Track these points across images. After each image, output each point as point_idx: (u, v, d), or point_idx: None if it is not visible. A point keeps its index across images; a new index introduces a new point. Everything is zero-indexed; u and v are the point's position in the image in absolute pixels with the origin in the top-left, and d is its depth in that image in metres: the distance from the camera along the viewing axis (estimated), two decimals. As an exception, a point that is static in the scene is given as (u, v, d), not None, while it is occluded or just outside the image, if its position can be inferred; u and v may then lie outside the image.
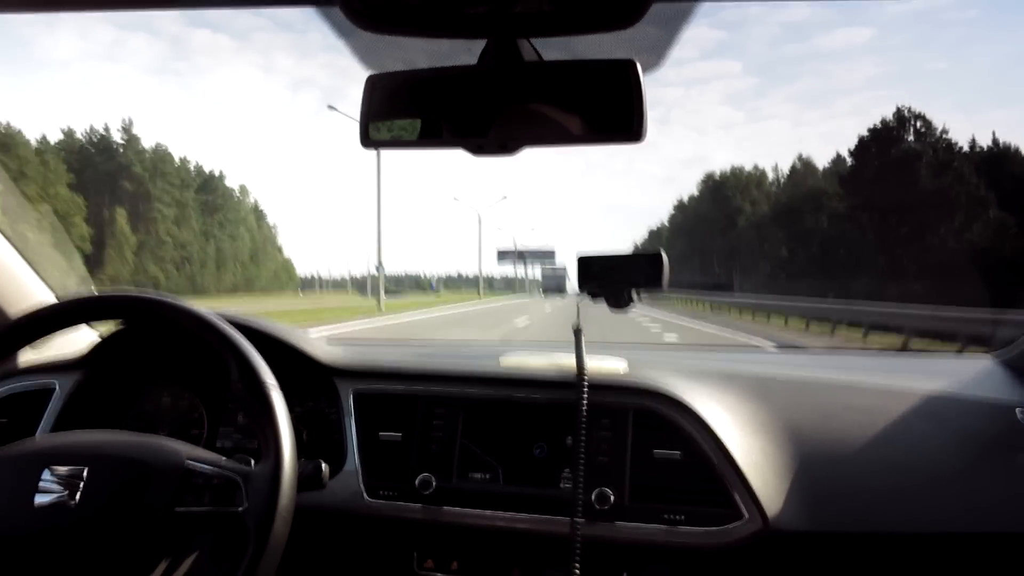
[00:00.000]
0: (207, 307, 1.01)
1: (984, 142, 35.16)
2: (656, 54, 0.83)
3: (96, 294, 0.99)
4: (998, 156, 34.01)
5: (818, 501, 1.07)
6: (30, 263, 1.47)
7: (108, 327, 1.37)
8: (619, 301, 1.20)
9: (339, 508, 1.16)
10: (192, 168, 55.28)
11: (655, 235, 77.12)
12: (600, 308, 1.15)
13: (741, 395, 1.21)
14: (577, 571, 0.99)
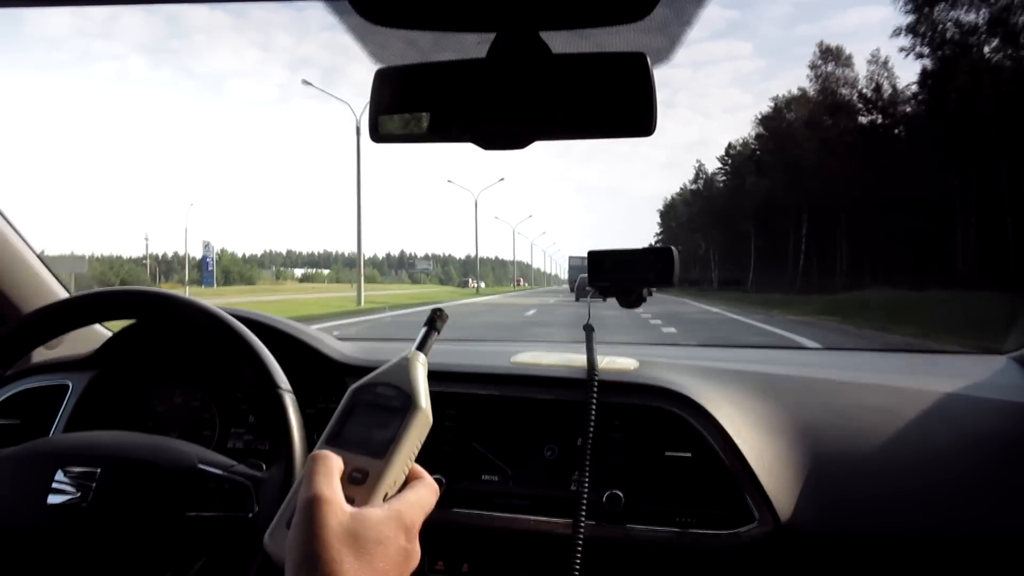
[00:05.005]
0: (218, 303, 1.01)
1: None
2: (669, 39, 0.82)
3: (108, 290, 0.99)
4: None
5: (830, 502, 1.06)
6: (44, 262, 1.48)
7: (120, 325, 1.37)
8: (629, 299, 1.19)
9: None
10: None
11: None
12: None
13: (753, 394, 1.20)
14: (576, 573, 0.98)
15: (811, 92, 37.86)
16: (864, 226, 31.75)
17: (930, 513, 1.04)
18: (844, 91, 35.87)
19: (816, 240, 34.90)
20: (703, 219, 49.87)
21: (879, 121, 34.58)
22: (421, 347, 0.71)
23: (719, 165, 51.57)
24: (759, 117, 42.76)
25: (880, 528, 1.03)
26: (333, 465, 0.59)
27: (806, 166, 35.10)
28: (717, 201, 47.08)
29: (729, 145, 49.00)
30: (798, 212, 35.62)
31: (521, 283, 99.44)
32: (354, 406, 0.65)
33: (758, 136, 42.78)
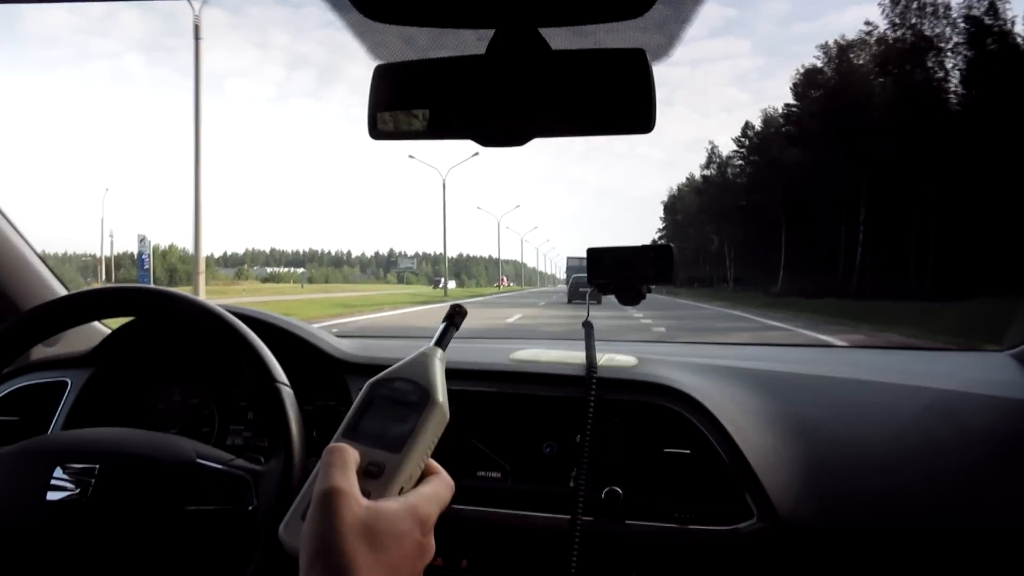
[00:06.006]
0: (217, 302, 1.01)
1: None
2: (667, 37, 0.82)
3: (107, 287, 0.99)
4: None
5: (829, 498, 1.06)
6: (43, 260, 1.48)
7: (119, 322, 1.37)
8: (629, 296, 1.19)
9: None
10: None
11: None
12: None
13: (752, 391, 1.20)
14: (573, 570, 0.99)
15: (883, 28, 27.49)
16: (968, 208, 21.24)
17: (928, 508, 1.05)
18: (932, 23, 25.75)
19: (878, 229, 24.96)
20: (717, 208, 42.05)
21: (997, 50, 23.72)
22: (440, 343, 0.70)
23: (735, 147, 41.28)
24: (801, 71, 32.68)
25: (878, 523, 1.04)
26: (349, 457, 0.59)
27: (871, 128, 25.07)
28: (735, 187, 39.29)
29: (747, 124, 40.28)
30: (853, 193, 26.26)
31: (505, 283, 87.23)
32: (372, 400, 0.65)
33: (793, 102, 32.60)
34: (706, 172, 45.07)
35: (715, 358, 1.35)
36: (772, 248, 31.43)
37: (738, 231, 38.07)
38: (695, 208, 47.83)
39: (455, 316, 0.73)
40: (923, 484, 1.06)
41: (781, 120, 34.86)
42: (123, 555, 0.83)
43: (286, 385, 0.92)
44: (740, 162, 40.17)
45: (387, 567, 0.54)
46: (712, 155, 44.21)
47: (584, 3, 0.73)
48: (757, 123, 38.69)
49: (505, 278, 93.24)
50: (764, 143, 36.18)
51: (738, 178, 40.04)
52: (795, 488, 1.05)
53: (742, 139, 39.41)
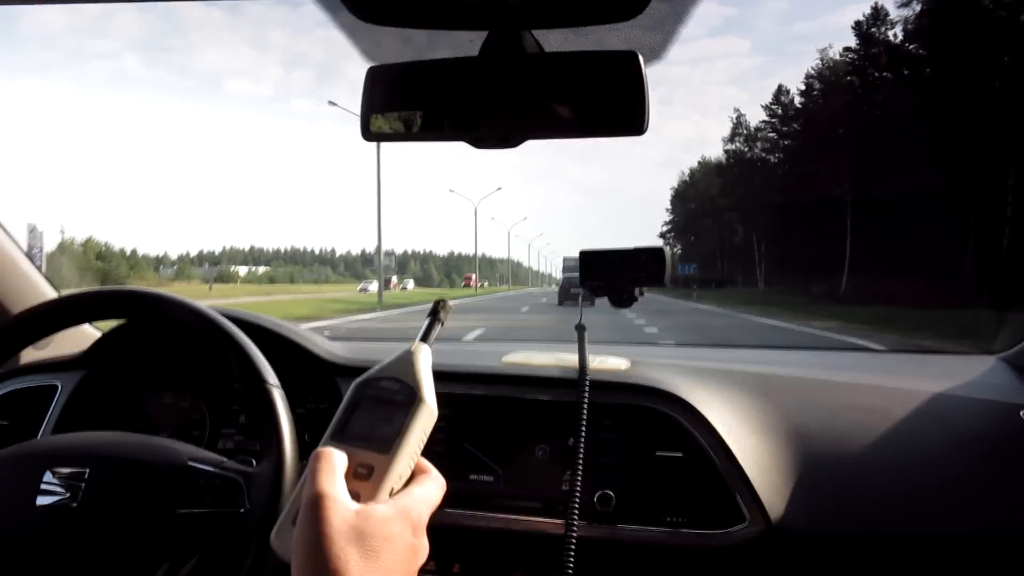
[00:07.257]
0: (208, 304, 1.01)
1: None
2: (664, 35, 0.83)
3: (98, 290, 0.98)
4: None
5: (821, 502, 1.06)
6: (32, 262, 1.47)
7: (110, 325, 1.37)
8: (621, 298, 1.19)
9: None
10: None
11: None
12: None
13: (744, 394, 1.20)
14: (569, 573, 0.99)
15: None
16: None
17: (920, 513, 1.05)
18: None
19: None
20: (744, 191, 33.77)
21: None
22: (425, 338, 0.70)
23: (765, 117, 32.94)
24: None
25: (870, 528, 1.04)
26: (336, 462, 0.58)
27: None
28: (769, 164, 31.33)
29: (780, 89, 32.78)
30: (996, 143, 16.00)
31: (473, 283, 71.83)
32: (358, 400, 0.64)
33: (855, 46, 22.44)
34: (730, 146, 36.58)
35: (707, 361, 1.35)
36: (827, 238, 22.74)
37: (773, 218, 29.79)
38: (716, 191, 38.86)
39: (439, 311, 0.73)
40: (914, 488, 1.07)
41: (852, 58, 24.59)
42: (114, 559, 0.82)
43: (277, 386, 0.91)
44: (773, 134, 31.96)
45: (379, 570, 0.54)
46: (738, 125, 35.26)
47: (576, 5, 0.73)
48: (793, 87, 29.59)
49: (474, 276, 75.33)
50: (824, 96, 26.47)
51: (771, 153, 31.98)
52: (787, 492, 1.05)
53: (773, 106, 30.96)
